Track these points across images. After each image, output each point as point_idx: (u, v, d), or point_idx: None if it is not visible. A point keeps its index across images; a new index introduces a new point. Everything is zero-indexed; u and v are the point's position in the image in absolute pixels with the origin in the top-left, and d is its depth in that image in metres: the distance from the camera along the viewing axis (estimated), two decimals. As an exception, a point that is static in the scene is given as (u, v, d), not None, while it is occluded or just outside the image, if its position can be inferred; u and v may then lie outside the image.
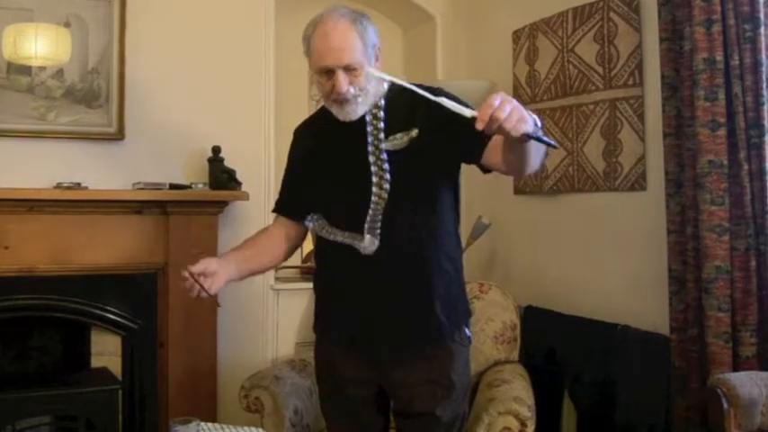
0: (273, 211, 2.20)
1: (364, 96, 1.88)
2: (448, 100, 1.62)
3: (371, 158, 1.93)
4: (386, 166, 1.91)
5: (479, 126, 1.51)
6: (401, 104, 1.94)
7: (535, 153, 1.73)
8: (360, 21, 1.88)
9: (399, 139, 1.92)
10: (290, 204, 2.15)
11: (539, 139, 1.56)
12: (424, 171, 1.95)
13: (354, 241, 1.95)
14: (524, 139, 1.56)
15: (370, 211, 1.93)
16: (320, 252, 2.13)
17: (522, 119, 1.52)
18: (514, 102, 1.53)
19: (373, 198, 1.93)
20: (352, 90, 1.85)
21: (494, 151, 1.82)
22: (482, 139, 1.80)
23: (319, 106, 2.09)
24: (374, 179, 1.92)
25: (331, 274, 2.06)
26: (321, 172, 2.06)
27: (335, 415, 2.14)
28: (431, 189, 1.98)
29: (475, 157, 1.87)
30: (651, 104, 2.86)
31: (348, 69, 1.84)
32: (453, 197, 2.05)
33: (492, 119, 1.50)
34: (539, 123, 1.60)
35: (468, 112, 1.57)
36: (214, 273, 1.90)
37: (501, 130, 1.51)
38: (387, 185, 1.91)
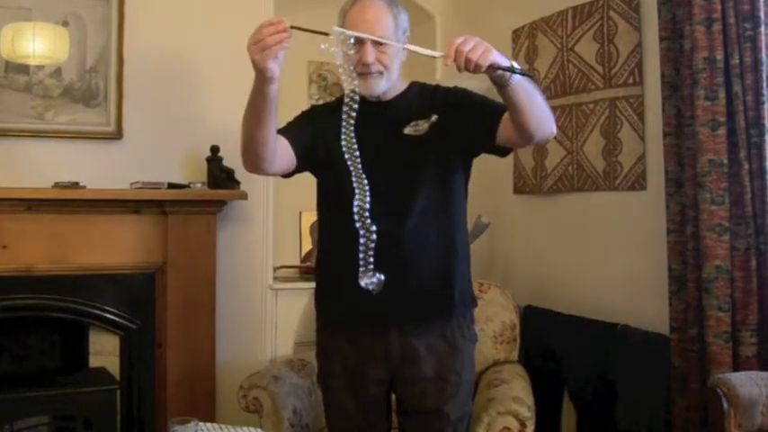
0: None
1: (387, 74, 1.97)
2: (414, 46, 1.75)
3: (345, 150, 1.91)
4: (358, 161, 1.92)
5: (448, 62, 1.63)
6: (421, 95, 2.07)
7: (533, 104, 1.78)
8: (396, 5, 2.00)
9: (421, 126, 2.01)
10: (291, 134, 2.06)
11: (512, 70, 1.65)
12: (445, 156, 2.03)
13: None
14: (496, 74, 1.66)
15: (361, 231, 1.90)
16: (327, 236, 2.13)
17: (487, 50, 1.63)
18: (479, 39, 1.64)
19: (356, 204, 1.91)
20: (377, 64, 1.94)
21: (506, 125, 1.90)
22: (496, 114, 1.90)
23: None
24: (353, 177, 1.91)
25: (341, 260, 2.01)
26: (327, 167, 2.07)
27: (340, 415, 2.13)
28: (450, 175, 2.06)
29: (491, 131, 1.94)
30: (651, 103, 2.85)
31: (377, 44, 1.92)
32: (465, 188, 2.14)
33: (457, 51, 1.62)
34: (516, 65, 1.68)
35: (436, 54, 1.69)
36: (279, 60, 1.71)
37: (469, 62, 1.62)
38: (366, 188, 1.91)
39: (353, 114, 1.89)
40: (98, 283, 3.08)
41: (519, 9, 3.57)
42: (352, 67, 1.87)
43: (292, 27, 1.63)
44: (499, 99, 1.82)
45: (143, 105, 3.24)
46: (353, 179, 1.91)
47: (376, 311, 1.99)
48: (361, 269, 1.88)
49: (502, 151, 2.02)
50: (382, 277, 1.87)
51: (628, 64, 2.95)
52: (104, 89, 3.18)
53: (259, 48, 1.62)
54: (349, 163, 1.92)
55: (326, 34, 1.71)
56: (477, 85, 3.45)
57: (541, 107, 1.83)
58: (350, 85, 1.86)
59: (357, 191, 1.90)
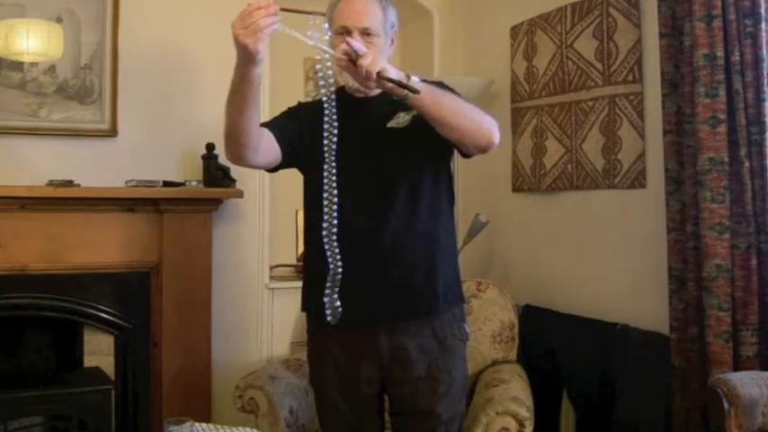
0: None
1: None
2: (310, 40, 1.75)
3: (325, 143, 1.91)
4: (334, 158, 1.91)
5: (337, 55, 1.72)
6: None
7: (446, 116, 1.82)
8: None
9: (402, 118, 2.01)
10: (276, 127, 2.05)
11: (399, 84, 1.71)
12: (426, 148, 2.00)
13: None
14: (387, 87, 1.74)
15: (325, 216, 1.90)
16: (309, 235, 2.11)
17: (376, 60, 1.70)
18: (377, 52, 1.78)
19: (325, 192, 1.90)
20: None
21: None
22: None
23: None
24: (325, 168, 1.91)
25: (323, 260, 1.98)
26: (311, 164, 2.05)
27: (333, 416, 2.12)
28: (432, 168, 2.05)
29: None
30: (651, 101, 2.83)
31: (364, 34, 1.93)
32: (449, 180, 2.12)
33: (346, 53, 1.70)
34: (414, 77, 1.73)
35: (328, 52, 1.76)
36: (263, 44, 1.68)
37: (360, 69, 1.69)
38: (334, 178, 1.91)
39: (334, 117, 1.88)
40: (93, 283, 3.06)
41: (517, 5, 3.54)
42: (329, 65, 1.84)
43: (282, 9, 1.64)
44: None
45: (138, 103, 3.22)
46: (324, 181, 1.90)
47: (362, 311, 1.97)
48: (328, 285, 1.89)
49: (462, 153, 2.01)
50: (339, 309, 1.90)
51: (627, 61, 2.93)
52: (99, 86, 3.16)
53: (251, 31, 1.61)
54: (325, 166, 1.90)
55: (320, 14, 1.75)
56: (477, 82, 3.45)
57: (461, 117, 1.83)
58: (326, 84, 1.86)
59: (326, 193, 1.90)
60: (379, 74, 1.69)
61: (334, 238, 1.89)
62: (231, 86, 1.76)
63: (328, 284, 1.90)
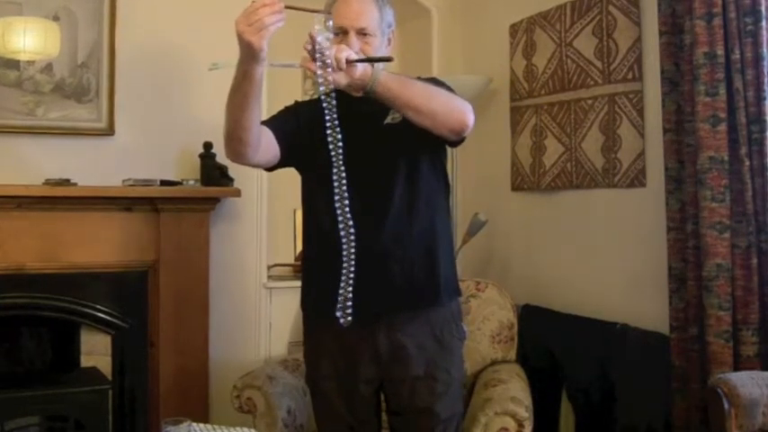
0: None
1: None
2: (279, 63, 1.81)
3: (331, 146, 1.86)
4: (341, 156, 1.86)
5: (304, 63, 1.71)
6: None
7: (415, 100, 1.82)
8: None
9: (397, 113, 1.98)
10: (275, 125, 2.06)
11: (359, 60, 1.73)
12: (420, 141, 1.99)
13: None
14: (356, 77, 1.73)
15: (338, 212, 1.85)
16: (310, 234, 2.11)
17: (340, 48, 1.71)
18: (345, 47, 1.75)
19: (336, 197, 1.85)
20: (361, 55, 1.90)
21: None
22: None
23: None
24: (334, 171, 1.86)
25: (325, 258, 1.98)
26: (311, 162, 2.04)
27: (330, 415, 2.11)
28: (427, 160, 2.05)
29: None
30: (651, 99, 2.82)
31: (361, 34, 1.95)
32: (444, 169, 2.13)
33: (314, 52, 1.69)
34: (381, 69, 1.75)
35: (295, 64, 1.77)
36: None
37: (329, 64, 1.69)
38: (344, 182, 1.85)
39: (335, 110, 1.85)
40: (90, 282, 3.05)
41: (517, 3, 3.53)
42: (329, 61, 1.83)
43: (287, 6, 1.63)
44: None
45: (135, 101, 3.21)
46: (334, 177, 1.87)
47: (363, 309, 1.94)
48: (342, 277, 1.83)
49: (445, 141, 2.00)
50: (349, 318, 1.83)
51: (627, 59, 2.91)
52: (96, 85, 3.15)
53: (255, 28, 1.60)
54: (334, 170, 1.88)
55: (327, 12, 1.76)
56: (475, 81, 3.44)
57: (431, 101, 1.84)
58: (323, 79, 1.82)
59: (336, 188, 1.86)
60: (347, 60, 1.69)
61: (352, 239, 1.83)
62: (233, 84, 1.75)
63: (341, 286, 1.84)
